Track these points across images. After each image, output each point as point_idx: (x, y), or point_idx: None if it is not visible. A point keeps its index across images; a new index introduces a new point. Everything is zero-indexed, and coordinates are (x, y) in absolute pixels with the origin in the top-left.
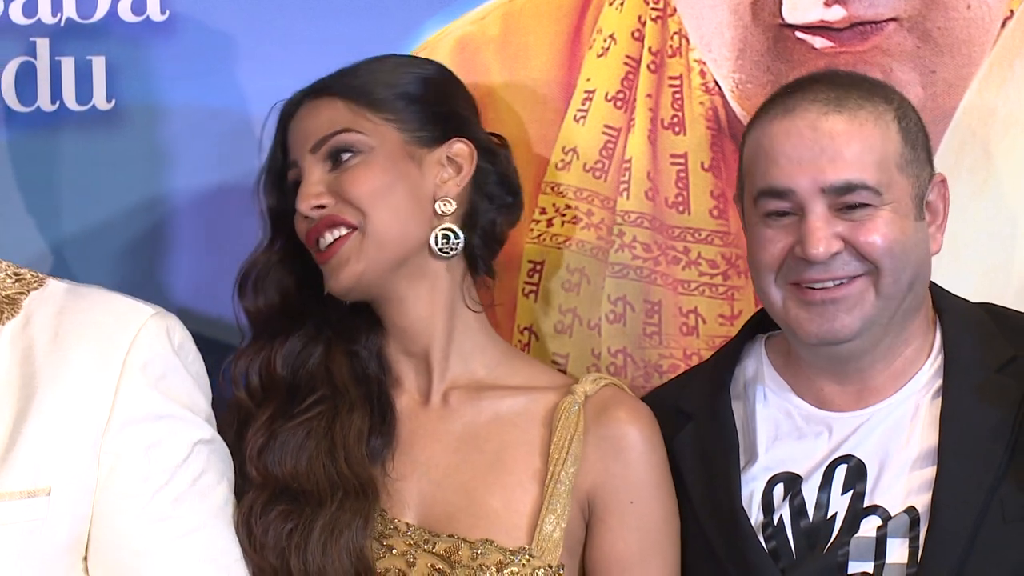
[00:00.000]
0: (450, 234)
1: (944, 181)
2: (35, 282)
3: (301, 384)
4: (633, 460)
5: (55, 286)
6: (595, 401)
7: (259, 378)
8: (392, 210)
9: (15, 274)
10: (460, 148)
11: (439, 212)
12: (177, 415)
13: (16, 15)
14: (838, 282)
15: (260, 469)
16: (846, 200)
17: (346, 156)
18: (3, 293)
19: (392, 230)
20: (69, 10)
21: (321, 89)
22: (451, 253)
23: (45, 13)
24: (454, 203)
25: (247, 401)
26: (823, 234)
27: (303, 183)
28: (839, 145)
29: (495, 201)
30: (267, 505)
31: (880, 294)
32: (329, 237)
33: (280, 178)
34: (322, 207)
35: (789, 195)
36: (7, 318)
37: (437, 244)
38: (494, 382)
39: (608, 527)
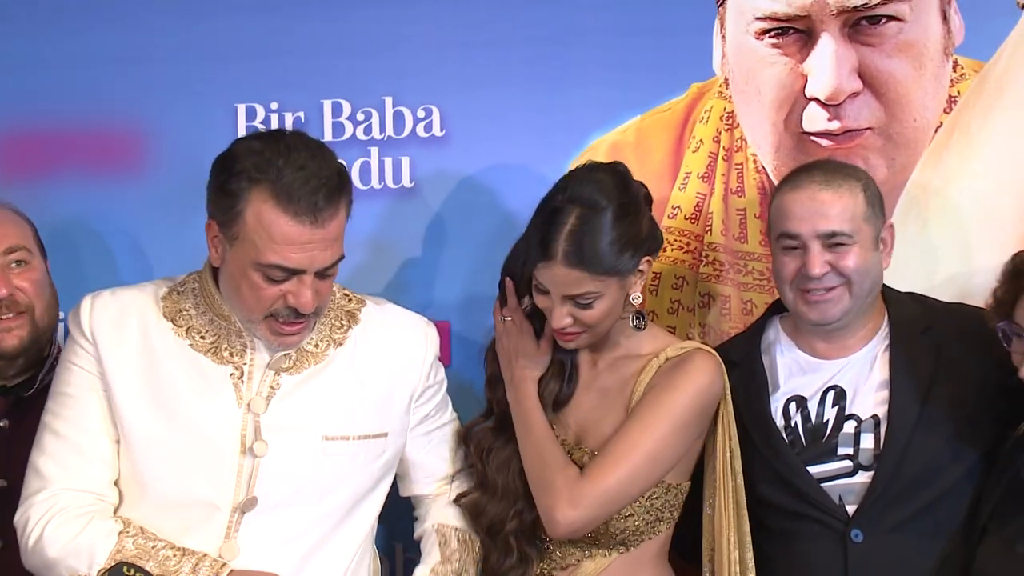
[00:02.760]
0: (641, 317)
1: (892, 226)
2: (357, 300)
3: None
4: (682, 369)
5: (370, 302)
6: (675, 359)
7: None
8: (610, 320)
9: (345, 295)
10: (646, 265)
11: (632, 302)
12: (442, 379)
13: (360, 135)
14: (826, 289)
15: (493, 406)
16: (831, 240)
17: (585, 303)
18: (345, 309)
19: (606, 327)
20: (388, 131)
21: (570, 258)
22: (642, 328)
23: (375, 132)
24: (640, 295)
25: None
26: (818, 261)
27: (556, 313)
28: (827, 209)
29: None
30: (489, 429)
31: (852, 296)
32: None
33: (529, 282)
34: (569, 323)
35: (797, 237)
36: (352, 325)
37: (633, 324)
38: (628, 353)
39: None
